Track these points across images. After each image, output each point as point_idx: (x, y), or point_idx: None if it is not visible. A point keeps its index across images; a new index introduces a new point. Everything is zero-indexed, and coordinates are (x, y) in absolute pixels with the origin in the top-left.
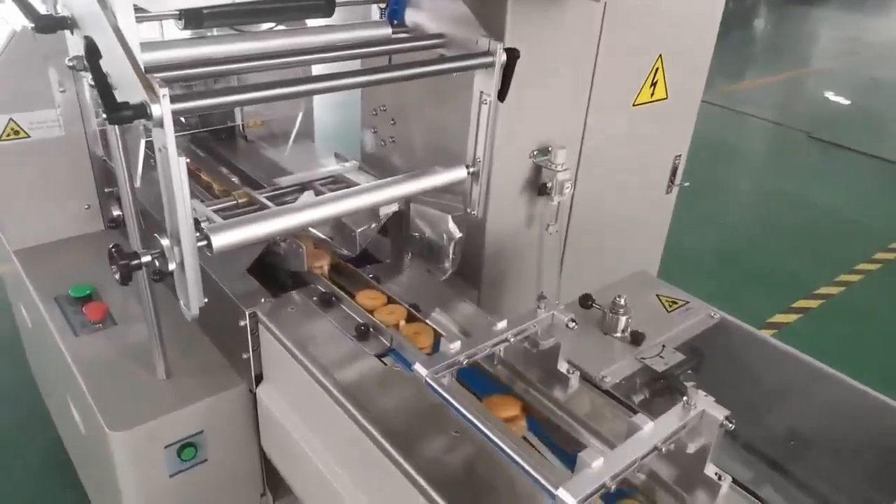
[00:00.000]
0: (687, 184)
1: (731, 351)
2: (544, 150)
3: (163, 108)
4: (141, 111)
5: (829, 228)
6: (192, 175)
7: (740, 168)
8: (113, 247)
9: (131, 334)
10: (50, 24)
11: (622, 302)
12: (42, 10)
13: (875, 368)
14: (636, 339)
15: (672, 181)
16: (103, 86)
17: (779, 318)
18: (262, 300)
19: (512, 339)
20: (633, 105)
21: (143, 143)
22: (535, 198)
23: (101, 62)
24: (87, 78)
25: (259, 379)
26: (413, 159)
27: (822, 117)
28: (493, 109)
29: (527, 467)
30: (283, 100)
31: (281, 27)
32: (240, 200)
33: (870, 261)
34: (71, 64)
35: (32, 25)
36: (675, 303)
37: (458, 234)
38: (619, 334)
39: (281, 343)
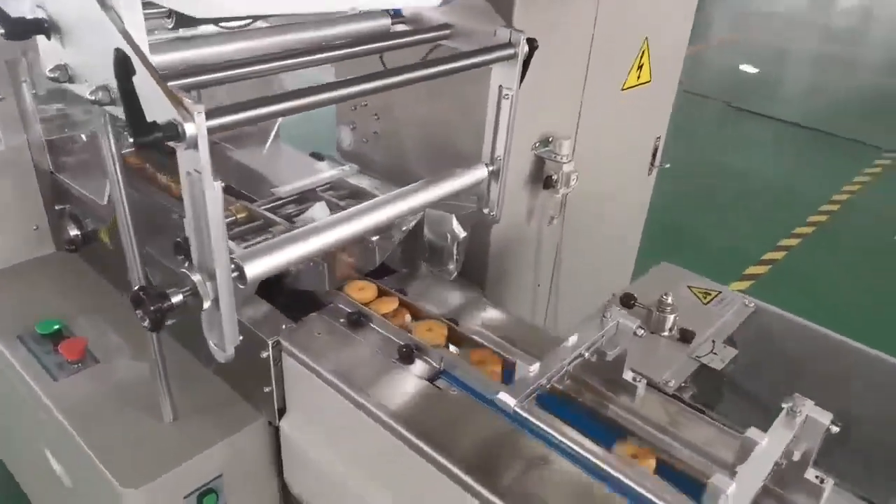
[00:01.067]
0: (668, 165)
1: (767, 338)
2: (545, 142)
3: (198, 128)
4: (171, 132)
5: (762, 195)
6: (153, 180)
7: (670, 140)
8: (140, 289)
9: (118, 372)
10: (27, 29)
11: (669, 300)
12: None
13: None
14: (686, 336)
15: (653, 163)
16: (135, 107)
17: (735, 286)
18: (283, 326)
19: (586, 354)
20: (622, 89)
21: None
22: (537, 191)
23: (100, 74)
24: (26, 85)
25: (281, 412)
26: (400, 156)
27: (738, 87)
28: (514, 104)
29: (655, 500)
30: (321, 106)
31: (269, 24)
32: (238, 216)
33: (806, 224)
34: (54, 75)
35: (2, 31)
36: (709, 294)
37: (462, 234)
38: (666, 333)
39: (316, 373)
